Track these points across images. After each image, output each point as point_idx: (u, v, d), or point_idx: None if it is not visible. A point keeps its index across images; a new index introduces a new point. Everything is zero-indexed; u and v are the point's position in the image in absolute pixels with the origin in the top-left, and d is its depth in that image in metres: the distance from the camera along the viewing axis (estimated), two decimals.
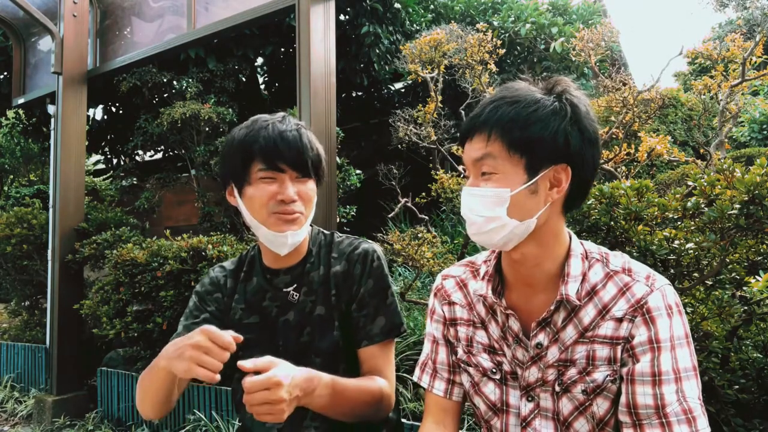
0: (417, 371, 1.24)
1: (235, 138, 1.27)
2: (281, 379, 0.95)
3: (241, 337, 1.01)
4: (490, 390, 1.10)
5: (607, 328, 0.97)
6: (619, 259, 1.03)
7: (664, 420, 0.89)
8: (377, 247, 1.38)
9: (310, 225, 1.41)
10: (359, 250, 1.34)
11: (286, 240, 1.24)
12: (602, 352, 0.97)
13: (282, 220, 1.23)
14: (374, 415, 1.24)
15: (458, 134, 1.07)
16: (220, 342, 0.97)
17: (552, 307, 1.00)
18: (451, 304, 1.18)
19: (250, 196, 1.24)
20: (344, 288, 1.32)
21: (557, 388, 1.01)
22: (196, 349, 0.97)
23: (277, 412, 0.95)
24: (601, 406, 0.98)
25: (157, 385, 1.12)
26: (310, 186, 1.28)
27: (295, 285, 1.34)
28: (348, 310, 1.32)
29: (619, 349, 0.96)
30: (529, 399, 1.05)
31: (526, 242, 1.00)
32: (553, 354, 1.01)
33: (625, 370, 0.95)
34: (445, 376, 1.18)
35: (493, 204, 0.96)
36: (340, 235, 1.43)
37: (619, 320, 0.96)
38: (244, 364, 0.95)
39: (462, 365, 1.15)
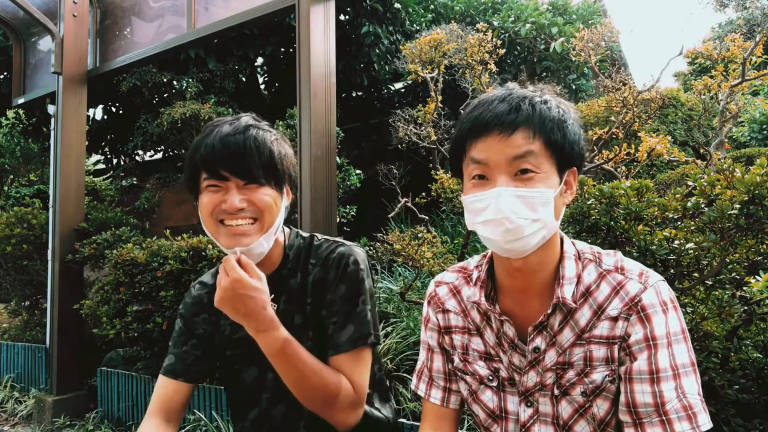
0: (414, 379, 1.23)
1: (192, 145, 1.22)
2: (249, 282, 1.07)
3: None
4: (488, 397, 1.09)
5: (602, 328, 0.96)
6: (611, 258, 1.02)
7: (664, 417, 0.88)
8: (357, 251, 1.30)
9: (287, 227, 1.35)
10: (335, 255, 1.27)
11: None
12: (599, 352, 0.96)
13: (230, 234, 1.14)
14: (326, 408, 1.17)
15: (469, 128, 0.97)
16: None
17: (548, 311, 0.99)
18: (445, 312, 1.16)
19: (200, 206, 1.18)
20: (319, 294, 1.27)
21: (556, 392, 1.00)
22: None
23: (222, 298, 1.08)
24: (601, 407, 0.97)
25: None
26: (265, 192, 1.15)
27: (273, 296, 1.27)
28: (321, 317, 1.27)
29: (615, 348, 0.95)
30: (528, 404, 1.04)
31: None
32: (550, 357, 1.00)
33: (623, 369, 0.94)
34: (441, 384, 1.17)
35: (539, 205, 0.91)
36: (320, 237, 1.35)
37: (614, 319, 0.95)
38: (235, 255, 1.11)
39: (459, 373, 1.14)
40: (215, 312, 1.33)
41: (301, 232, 1.37)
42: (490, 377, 1.08)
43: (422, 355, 1.22)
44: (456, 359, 1.14)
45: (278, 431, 1.30)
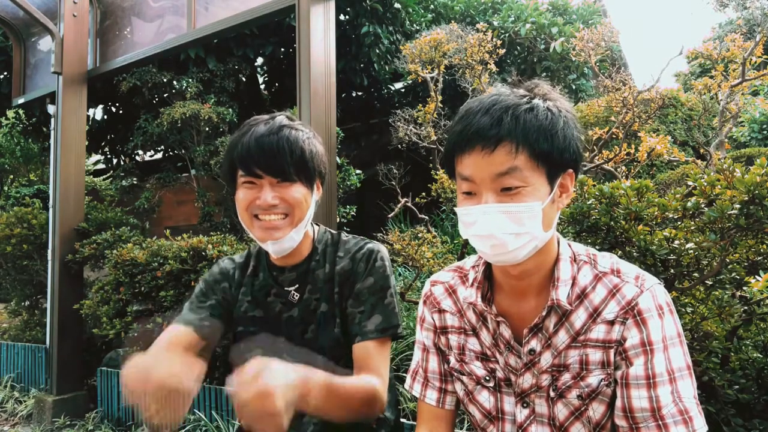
0: (408, 379, 1.22)
1: (229, 143, 1.29)
2: (271, 389, 0.84)
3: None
4: (485, 398, 1.08)
5: (598, 332, 0.96)
6: (607, 260, 1.02)
7: (660, 422, 0.88)
8: (383, 248, 1.37)
9: (316, 224, 1.42)
10: (364, 250, 1.34)
11: (268, 248, 1.26)
12: (595, 356, 0.96)
13: (262, 228, 1.23)
14: (365, 415, 1.21)
15: (454, 142, 0.96)
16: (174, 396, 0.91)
17: (543, 313, 0.98)
18: (441, 312, 1.16)
19: (237, 200, 1.26)
20: (347, 285, 1.32)
21: (552, 394, 1.00)
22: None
23: (277, 426, 0.85)
24: (596, 410, 0.97)
25: None
26: (296, 190, 1.24)
27: (297, 285, 1.35)
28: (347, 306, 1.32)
29: (611, 352, 0.95)
30: (524, 405, 1.03)
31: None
32: (546, 359, 1.00)
33: (619, 373, 0.94)
34: (436, 385, 1.16)
35: (526, 219, 0.91)
36: (347, 234, 1.43)
37: (611, 323, 0.95)
38: (232, 379, 0.87)
39: (455, 374, 1.13)
40: (237, 286, 1.39)
41: (329, 229, 1.44)
42: (487, 377, 1.08)
43: (417, 355, 1.21)
44: (452, 359, 1.13)
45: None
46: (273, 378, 0.86)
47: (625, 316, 0.94)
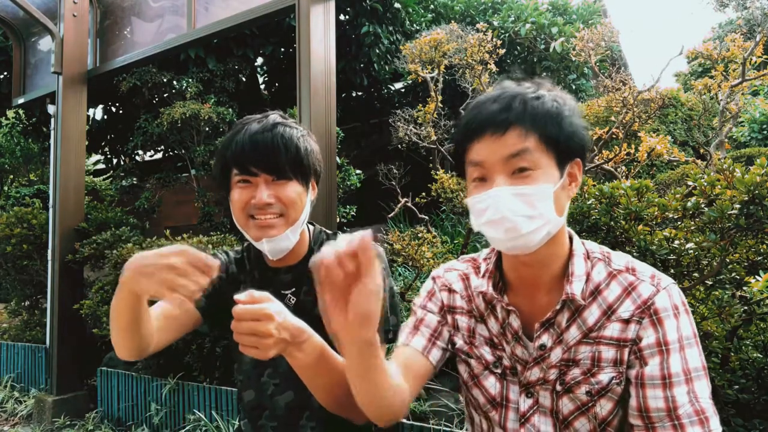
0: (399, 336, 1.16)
1: (222, 143, 1.28)
2: (272, 313, 0.90)
3: (217, 263, 0.95)
4: (491, 384, 1.08)
5: (613, 330, 0.95)
6: (621, 258, 1.02)
7: (676, 422, 0.88)
8: (379, 250, 1.34)
9: (312, 224, 1.40)
10: None
11: (263, 247, 1.24)
12: (608, 353, 0.96)
13: (258, 227, 1.21)
14: (352, 410, 1.12)
15: (464, 131, 0.97)
16: (199, 264, 0.93)
17: (557, 307, 0.98)
18: (451, 291, 1.15)
19: (232, 201, 1.25)
20: None
21: (558, 388, 0.99)
22: (170, 271, 0.92)
23: (263, 347, 0.90)
24: (604, 407, 0.97)
25: (121, 306, 1.04)
26: (292, 188, 1.22)
27: (293, 288, 1.32)
28: None
29: (626, 351, 0.94)
30: (528, 395, 1.03)
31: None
32: (556, 355, 1.00)
33: (633, 372, 0.94)
34: (427, 335, 1.11)
35: (538, 201, 0.90)
36: (344, 236, 1.41)
37: (626, 321, 0.95)
38: (240, 296, 0.90)
39: (462, 356, 1.12)
40: (231, 281, 1.36)
41: (325, 229, 1.42)
42: (496, 363, 1.07)
43: (411, 319, 1.16)
44: (459, 341, 1.12)
45: (278, 420, 1.30)
46: (275, 310, 0.91)
47: (642, 315, 0.93)
